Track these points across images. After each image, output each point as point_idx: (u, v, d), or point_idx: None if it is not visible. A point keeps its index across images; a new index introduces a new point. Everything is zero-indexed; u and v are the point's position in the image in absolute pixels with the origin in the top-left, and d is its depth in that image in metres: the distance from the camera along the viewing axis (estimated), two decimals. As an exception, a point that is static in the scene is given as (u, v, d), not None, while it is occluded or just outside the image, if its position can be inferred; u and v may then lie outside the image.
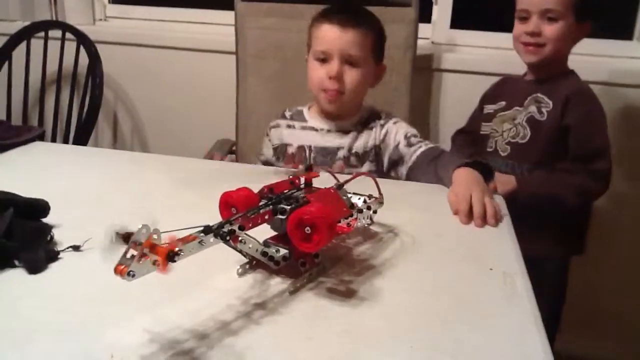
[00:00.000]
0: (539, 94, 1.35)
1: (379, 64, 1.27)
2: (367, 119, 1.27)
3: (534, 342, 0.59)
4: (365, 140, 1.25)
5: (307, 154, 1.26)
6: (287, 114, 1.34)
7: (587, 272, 1.53)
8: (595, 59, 1.62)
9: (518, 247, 0.82)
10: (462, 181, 0.95)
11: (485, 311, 0.65)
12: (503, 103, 1.43)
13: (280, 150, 1.32)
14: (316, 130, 1.28)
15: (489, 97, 1.50)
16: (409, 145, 1.20)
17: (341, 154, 1.25)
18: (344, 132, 1.26)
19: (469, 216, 0.88)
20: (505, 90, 1.47)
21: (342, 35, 1.18)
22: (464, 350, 0.57)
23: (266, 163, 1.36)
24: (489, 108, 1.47)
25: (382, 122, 1.26)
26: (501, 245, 0.82)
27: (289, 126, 1.32)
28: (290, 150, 1.29)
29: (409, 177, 1.18)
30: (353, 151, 1.24)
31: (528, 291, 0.69)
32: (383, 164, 1.25)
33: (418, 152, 1.17)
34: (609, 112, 1.36)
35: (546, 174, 1.32)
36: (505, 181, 1.28)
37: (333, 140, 1.26)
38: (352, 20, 1.19)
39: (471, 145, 1.51)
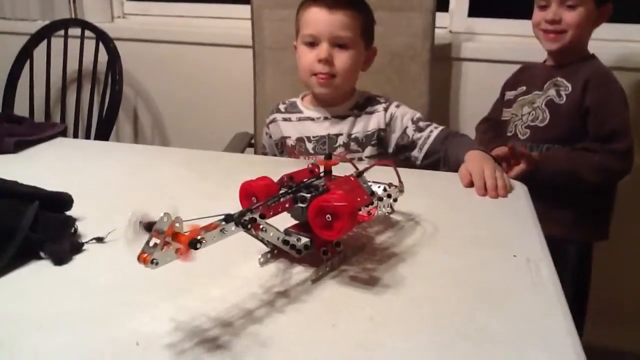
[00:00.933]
0: (558, 78, 1.34)
1: (369, 47, 1.26)
2: (363, 103, 1.26)
3: (560, 328, 0.58)
4: (365, 124, 1.24)
5: (307, 145, 1.26)
6: (282, 107, 1.34)
7: (610, 259, 1.50)
8: (613, 43, 1.58)
9: (542, 233, 0.81)
10: (475, 159, 1.03)
11: (510, 298, 0.64)
12: (523, 88, 1.43)
13: (281, 144, 1.32)
14: (312, 119, 1.27)
15: (510, 84, 1.50)
16: (419, 130, 1.22)
17: (341, 140, 1.24)
18: (341, 117, 1.25)
19: (485, 189, 0.95)
20: (525, 76, 1.46)
21: (330, 17, 1.17)
22: (488, 336, 0.57)
23: None
24: (509, 94, 1.47)
25: (384, 105, 1.25)
26: (524, 232, 0.81)
27: (285, 119, 1.31)
28: (290, 142, 1.29)
29: (425, 162, 1.20)
30: (353, 136, 1.24)
31: (553, 277, 0.68)
32: (388, 148, 1.25)
33: (432, 137, 1.20)
34: (628, 97, 1.33)
35: (566, 151, 1.31)
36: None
37: (331, 128, 1.25)
38: (340, 2, 1.18)
39: (491, 131, 1.50)
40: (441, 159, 1.17)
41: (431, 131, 1.21)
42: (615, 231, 1.40)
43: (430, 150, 1.20)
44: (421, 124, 1.23)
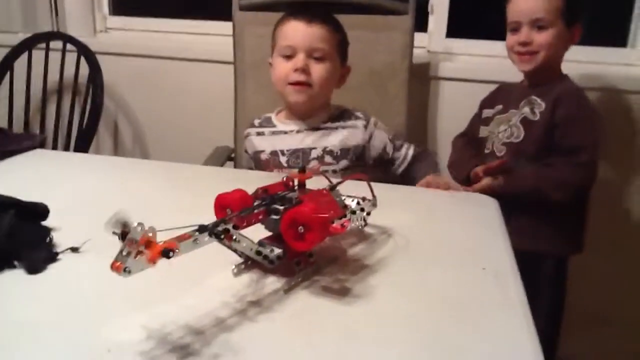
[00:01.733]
0: (532, 96, 1.38)
1: (344, 64, 1.29)
2: (337, 116, 1.29)
3: (524, 344, 0.59)
4: (340, 137, 1.26)
5: (280, 159, 1.28)
6: (256, 122, 1.36)
7: (586, 272, 1.54)
8: (590, 66, 1.64)
9: (511, 248, 0.83)
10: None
11: (476, 312, 0.65)
12: (500, 107, 1.47)
13: (255, 158, 1.33)
14: (286, 132, 1.29)
15: (487, 102, 1.54)
16: (397, 148, 1.30)
17: (315, 153, 1.26)
18: (314, 129, 1.27)
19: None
20: (502, 95, 1.50)
21: (308, 29, 1.21)
22: (456, 350, 0.58)
23: None
24: (487, 112, 1.51)
25: (363, 122, 1.28)
26: (494, 247, 0.83)
27: (258, 133, 1.33)
28: (264, 156, 1.30)
29: (403, 176, 1.29)
30: (327, 149, 1.25)
31: (520, 293, 0.70)
32: (366, 162, 1.29)
33: (409, 156, 1.29)
34: (604, 118, 1.38)
35: (529, 170, 1.35)
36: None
37: (304, 140, 1.27)
38: (317, 17, 1.23)
39: (470, 148, 1.53)
40: (413, 174, 1.26)
41: (407, 152, 1.29)
42: (588, 246, 1.43)
43: (409, 166, 1.29)
44: (397, 142, 1.30)
